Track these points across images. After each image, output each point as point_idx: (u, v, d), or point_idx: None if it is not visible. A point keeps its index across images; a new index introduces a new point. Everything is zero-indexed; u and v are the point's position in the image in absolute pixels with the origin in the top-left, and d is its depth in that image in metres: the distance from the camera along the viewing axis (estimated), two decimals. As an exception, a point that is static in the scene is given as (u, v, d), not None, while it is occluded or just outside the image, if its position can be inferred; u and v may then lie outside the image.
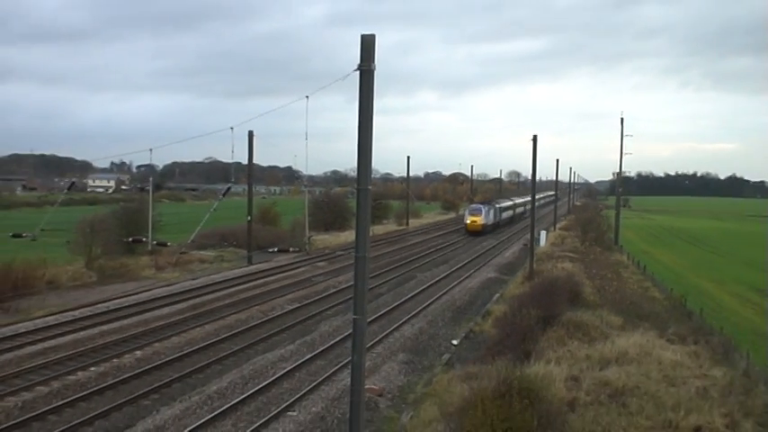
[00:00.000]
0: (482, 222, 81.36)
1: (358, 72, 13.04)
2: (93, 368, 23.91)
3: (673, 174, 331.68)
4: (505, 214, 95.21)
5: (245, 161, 47.98)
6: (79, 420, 18.97)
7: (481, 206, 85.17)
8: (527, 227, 56.12)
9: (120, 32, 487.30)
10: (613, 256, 65.15)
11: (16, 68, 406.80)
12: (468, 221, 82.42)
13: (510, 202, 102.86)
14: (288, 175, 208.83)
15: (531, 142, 44.61)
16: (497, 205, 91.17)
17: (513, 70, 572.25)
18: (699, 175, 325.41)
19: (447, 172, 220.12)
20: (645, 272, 54.95)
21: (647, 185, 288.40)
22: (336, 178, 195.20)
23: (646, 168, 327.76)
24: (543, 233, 70.84)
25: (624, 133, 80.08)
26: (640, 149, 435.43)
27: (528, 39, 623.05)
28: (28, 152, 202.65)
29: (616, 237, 79.55)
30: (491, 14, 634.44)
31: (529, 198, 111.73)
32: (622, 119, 79.94)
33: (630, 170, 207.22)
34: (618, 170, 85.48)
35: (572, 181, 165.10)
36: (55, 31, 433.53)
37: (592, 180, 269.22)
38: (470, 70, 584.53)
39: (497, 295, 40.52)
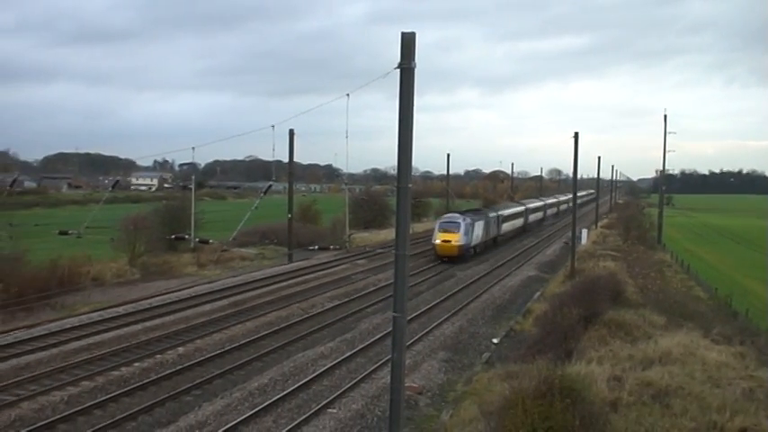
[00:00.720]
0: (459, 243, 53.27)
1: (398, 70, 13.03)
2: (136, 364, 24.25)
3: (717, 171, 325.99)
4: (509, 225, 69.81)
5: (285, 159, 48.17)
6: (123, 415, 19.25)
7: (459, 218, 55.57)
8: (568, 225, 55.41)
9: (165, 32, 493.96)
10: (656, 254, 64.34)
11: (64, 69, 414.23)
12: (438, 242, 53.84)
13: (519, 208, 78.78)
14: (328, 173, 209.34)
15: (573, 140, 44.20)
16: (493, 214, 64.17)
17: (555, 67, 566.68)
18: (744, 172, 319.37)
19: (487, 170, 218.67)
20: (689, 271, 54.22)
21: (691, 183, 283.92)
22: (376, 176, 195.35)
23: (689, 166, 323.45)
24: (584, 231, 70.13)
25: (667, 131, 79.10)
26: (684, 147, 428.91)
27: (570, 35, 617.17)
28: (73, 151, 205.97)
29: (659, 235, 78.53)
30: (533, 11, 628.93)
31: (552, 199, 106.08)
32: (665, 116, 79.26)
33: (674, 168, 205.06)
34: (661, 168, 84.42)
35: (614, 179, 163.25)
36: (102, 31, 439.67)
37: (634, 178, 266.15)
38: (511, 67, 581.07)
39: (538, 294, 40.25)
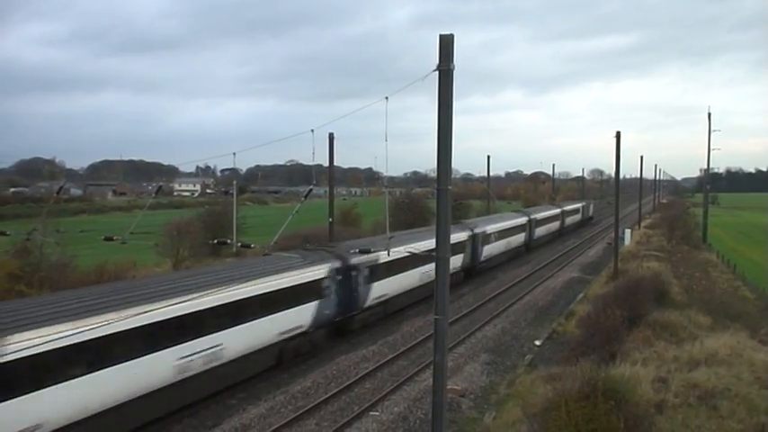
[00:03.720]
0: None
1: (437, 72, 13.05)
2: (181, 367, 24.49)
3: (764, 169, 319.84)
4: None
5: (326, 163, 48.35)
6: (169, 418, 19.50)
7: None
8: (611, 226, 54.74)
9: (212, 40, 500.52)
10: (701, 254, 63.31)
11: (113, 78, 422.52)
12: None
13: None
14: (368, 177, 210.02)
15: (615, 139, 43.69)
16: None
17: (600, 67, 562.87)
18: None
19: (528, 171, 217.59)
20: (735, 271, 53.26)
21: (737, 181, 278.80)
22: (416, 179, 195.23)
23: (735, 164, 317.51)
24: (628, 232, 69.26)
25: (712, 129, 77.85)
26: (730, 145, 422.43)
27: (616, 34, 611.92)
28: (118, 158, 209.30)
29: (704, 235, 77.33)
30: (580, 11, 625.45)
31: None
32: (709, 114, 77.74)
33: (719, 166, 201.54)
34: (705, 166, 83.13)
35: (657, 178, 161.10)
36: (151, 40, 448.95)
37: (678, 177, 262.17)
38: (556, 68, 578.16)
39: (581, 295, 39.89)
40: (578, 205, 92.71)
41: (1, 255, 35.55)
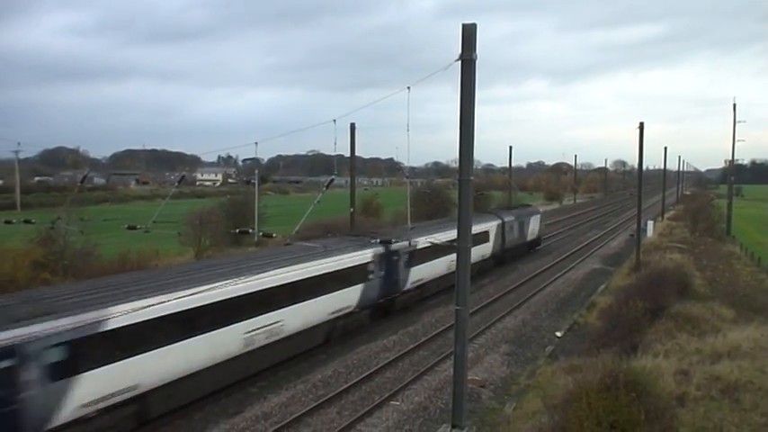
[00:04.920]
0: None
1: (460, 62, 13.02)
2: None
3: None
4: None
5: (347, 153, 48.39)
6: (191, 405, 19.66)
7: None
8: (634, 217, 54.37)
9: (237, 30, 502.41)
10: (725, 247, 62.71)
11: (138, 67, 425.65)
12: None
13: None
14: (389, 167, 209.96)
15: (638, 130, 43.35)
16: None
17: (626, 57, 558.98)
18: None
19: (550, 162, 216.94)
20: (759, 263, 52.71)
21: (762, 173, 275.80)
22: (438, 169, 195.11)
23: (761, 156, 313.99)
24: (650, 223, 68.80)
25: (737, 119, 77.12)
26: (756, 137, 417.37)
27: (645, 24, 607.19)
28: (140, 148, 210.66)
29: (728, 227, 76.61)
30: (608, 0, 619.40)
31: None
32: (734, 105, 77.21)
33: (744, 158, 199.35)
34: (730, 158, 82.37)
35: (681, 170, 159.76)
36: (177, 30, 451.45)
37: (702, 168, 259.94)
38: (582, 58, 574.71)
39: (602, 287, 39.70)
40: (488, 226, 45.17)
41: (26, 243, 35.93)
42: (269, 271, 22.03)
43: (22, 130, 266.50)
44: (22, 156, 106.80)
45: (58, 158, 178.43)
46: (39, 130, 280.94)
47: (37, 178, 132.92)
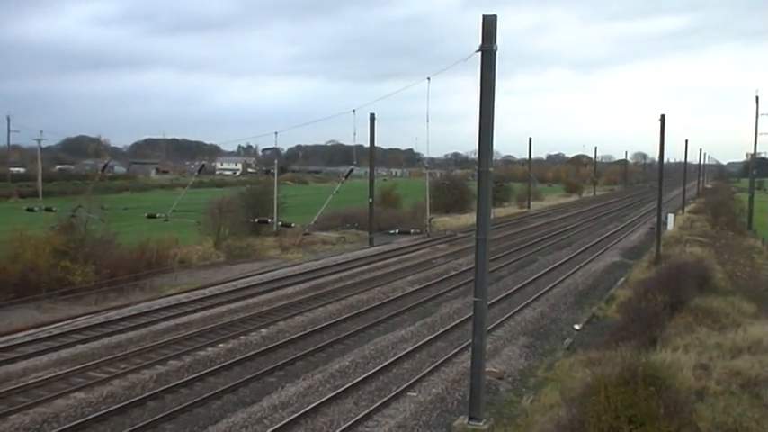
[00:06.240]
0: None
1: (479, 53, 12.95)
2: (221, 344, 24.82)
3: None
4: None
5: (366, 144, 48.46)
6: (209, 394, 19.76)
7: None
8: (654, 210, 53.94)
9: (262, 20, 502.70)
10: (747, 241, 62.14)
11: (162, 57, 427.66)
12: None
13: None
14: (409, 158, 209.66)
15: (659, 123, 42.99)
16: None
17: (649, 49, 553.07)
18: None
19: (570, 154, 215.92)
20: (781, 258, 52.23)
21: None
22: (457, 161, 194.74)
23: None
24: (671, 216, 68.32)
25: (760, 112, 76.22)
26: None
27: (669, 15, 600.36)
28: (161, 137, 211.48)
29: (750, 221, 75.95)
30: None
31: None
32: (757, 97, 76.08)
33: (766, 151, 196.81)
34: (752, 151, 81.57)
35: (702, 162, 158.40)
36: (201, 20, 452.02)
37: (723, 161, 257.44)
38: (605, 49, 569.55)
39: (622, 280, 39.51)
40: None
41: (47, 230, 36.25)
42: None
43: (44, 118, 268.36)
44: (44, 144, 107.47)
45: (79, 147, 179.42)
46: (61, 118, 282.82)
47: (58, 167, 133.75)
